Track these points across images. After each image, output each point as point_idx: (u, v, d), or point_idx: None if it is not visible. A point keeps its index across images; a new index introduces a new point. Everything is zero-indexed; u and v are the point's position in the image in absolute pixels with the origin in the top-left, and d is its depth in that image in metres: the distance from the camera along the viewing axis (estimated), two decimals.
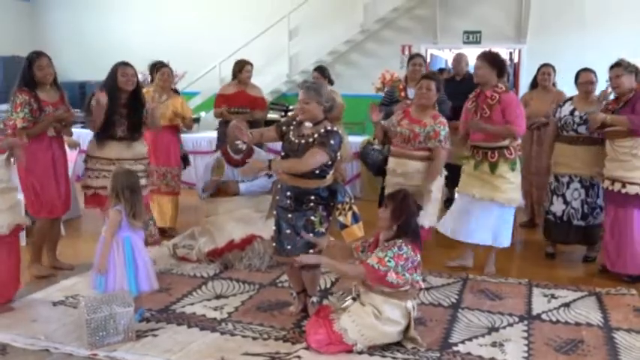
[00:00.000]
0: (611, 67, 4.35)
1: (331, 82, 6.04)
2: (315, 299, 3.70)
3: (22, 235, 4.98)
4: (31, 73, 4.12)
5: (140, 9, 10.29)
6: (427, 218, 4.21)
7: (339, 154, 3.47)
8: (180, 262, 4.72)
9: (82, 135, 7.18)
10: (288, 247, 3.46)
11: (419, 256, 3.21)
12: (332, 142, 3.33)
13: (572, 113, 4.70)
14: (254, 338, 3.38)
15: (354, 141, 6.82)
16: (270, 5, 9.21)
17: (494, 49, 4.64)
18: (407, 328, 3.25)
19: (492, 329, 3.54)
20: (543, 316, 3.74)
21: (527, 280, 4.37)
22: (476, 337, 3.43)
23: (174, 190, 5.60)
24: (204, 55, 9.21)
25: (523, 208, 5.13)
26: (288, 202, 3.45)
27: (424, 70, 5.50)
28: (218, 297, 4.02)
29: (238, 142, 4.69)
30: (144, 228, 3.65)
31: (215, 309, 3.80)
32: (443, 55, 10.41)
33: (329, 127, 3.39)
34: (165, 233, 5.33)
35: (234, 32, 9.20)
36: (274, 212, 3.59)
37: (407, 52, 8.61)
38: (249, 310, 3.79)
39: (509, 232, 4.51)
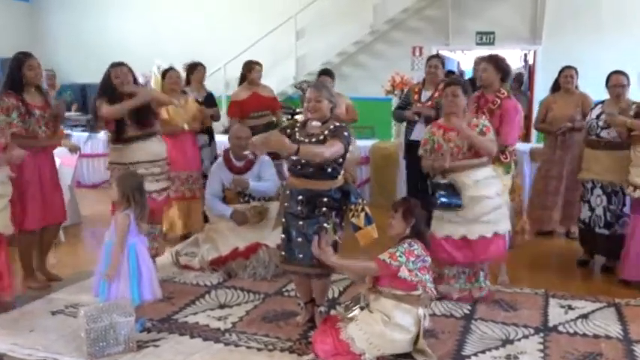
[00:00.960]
0: None
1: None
2: (322, 309, 3.70)
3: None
4: (20, 74, 4.10)
5: (141, 10, 10.36)
6: (499, 225, 3.98)
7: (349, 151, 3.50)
8: (183, 270, 4.72)
9: (82, 139, 7.24)
10: (300, 255, 3.45)
11: (429, 258, 3.28)
12: (345, 134, 3.40)
13: (598, 117, 4.69)
14: (259, 349, 3.38)
15: (363, 145, 6.83)
16: (276, 5, 9.24)
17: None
18: (416, 339, 3.23)
19: (507, 341, 3.52)
20: (560, 328, 3.71)
21: (543, 291, 4.34)
22: (489, 349, 3.41)
23: (194, 195, 5.58)
24: (208, 57, 9.15)
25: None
26: (299, 208, 3.44)
27: (440, 73, 5.49)
28: (222, 306, 4.02)
29: (247, 152, 4.69)
30: (149, 236, 3.68)
31: (219, 319, 3.80)
32: (455, 57, 10.42)
33: (337, 124, 3.45)
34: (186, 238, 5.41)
35: (239, 33, 9.24)
36: (283, 220, 3.58)
37: (417, 54, 8.62)
38: (254, 321, 3.79)
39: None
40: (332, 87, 5.85)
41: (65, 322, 3.71)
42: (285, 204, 3.55)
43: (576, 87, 5.65)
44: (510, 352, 3.37)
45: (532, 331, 3.66)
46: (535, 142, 6.94)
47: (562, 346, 3.46)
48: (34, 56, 4.20)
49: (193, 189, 5.56)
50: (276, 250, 3.74)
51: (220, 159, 4.99)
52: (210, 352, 3.34)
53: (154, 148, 4.44)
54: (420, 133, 4.88)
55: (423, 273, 3.22)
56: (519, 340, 3.54)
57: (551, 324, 3.77)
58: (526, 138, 7.63)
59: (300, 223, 3.43)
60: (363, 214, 3.47)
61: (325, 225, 3.40)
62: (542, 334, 3.62)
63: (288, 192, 3.55)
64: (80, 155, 5.76)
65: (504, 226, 4.07)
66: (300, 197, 3.43)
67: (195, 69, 6.05)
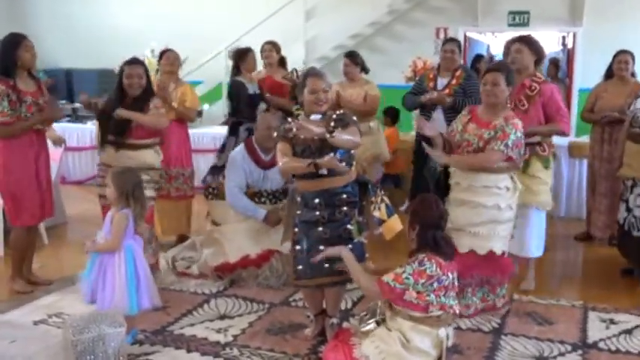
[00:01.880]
0: None
1: (366, 71, 6.06)
2: (335, 320, 3.71)
3: (0, 246, 5.08)
4: (14, 56, 4.13)
5: None
6: (497, 241, 3.90)
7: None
8: (181, 277, 4.72)
9: (68, 130, 7.29)
10: (326, 265, 3.39)
11: (452, 275, 3.14)
12: (354, 118, 3.49)
13: None
14: None
15: None
16: None
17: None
18: None
19: (541, 359, 3.52)
20: (601, 345, 3.71)
21: (581, 303, 4.33)
22: None
23: (185, 194, 5.59)
24: (207, 39, 9.25)
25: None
26: (318, 213, 3.42)
27: (457, 58, 5.49)
28: (222, 317, 4.04)
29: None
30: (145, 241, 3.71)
31: (218, 331, 3.82)
32: (484, 40, 10.39)
33: (338, 111, 3.52)
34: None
35: (241, 12, 9.24)
36: (295, 230, 3.54)
37: (442, 36, 8.58)
38: (257, 333, 3.81)
39: (541, 240, 4.48)
40: (358, 73, 5.92)
41: (48, 333, 3.74)
42: (298, 212, 3.53)
43: (632, 74, 5.59)
44: None
45: (569, 347, 3.66)
46: (574, 137, 6.90)
47: None
48: (28, 37, 4.25)
49: (183, 188, 5.57)
50: (289, 258, 3.72)
51: (242, 149, 4.83)
52: None
53: (147, 157, 4.38)
54: (435, 125, 4.66)
55: (438, 294, 3.07)
56: (555, 357, 3.54)
57: (590, 340, 3.77)
58: None
59: (321, 229, 3.42)
60: (383, 205, 3.49)
61: (349, 227, 3.42)
62: (580, 352, 3.61)
63: (299, 198, 3.52)
64: (65, 148, 5.80)
65: (500, 245, 3.91)
66: (317, 200, 3.42)
67: (246, 55, 5.72)
